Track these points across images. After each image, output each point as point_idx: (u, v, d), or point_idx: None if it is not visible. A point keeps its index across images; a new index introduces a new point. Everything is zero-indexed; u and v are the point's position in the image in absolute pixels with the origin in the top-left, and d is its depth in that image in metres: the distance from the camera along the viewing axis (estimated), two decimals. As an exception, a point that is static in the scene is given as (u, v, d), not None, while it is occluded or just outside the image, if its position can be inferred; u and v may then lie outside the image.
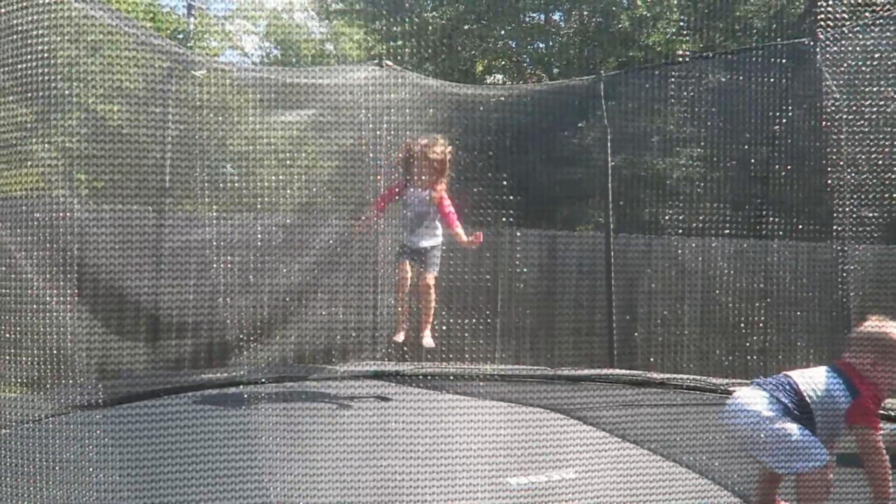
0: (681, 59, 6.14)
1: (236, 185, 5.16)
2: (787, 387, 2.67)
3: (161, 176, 4.94)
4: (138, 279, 4.65)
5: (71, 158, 5.00)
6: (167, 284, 4.74)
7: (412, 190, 4.50)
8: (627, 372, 5.52)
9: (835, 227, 5.06)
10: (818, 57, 4.98)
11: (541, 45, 12.47)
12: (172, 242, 4.88)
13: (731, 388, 4.97)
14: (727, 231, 5.43)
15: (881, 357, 2.66)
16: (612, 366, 5.75)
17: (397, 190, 4.60)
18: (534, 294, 6.31)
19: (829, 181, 5.17)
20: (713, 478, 3.12)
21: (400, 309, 4.64)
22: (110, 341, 4.25)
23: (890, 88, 4.61)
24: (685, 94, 5.73)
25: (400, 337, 4.63)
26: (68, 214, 4.59)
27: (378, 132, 5.27)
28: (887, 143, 4.69)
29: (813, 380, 2.70)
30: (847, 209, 5.00)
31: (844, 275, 5.02)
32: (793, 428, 2.57)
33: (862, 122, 4.78)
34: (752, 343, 5.56)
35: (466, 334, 5.21)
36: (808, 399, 2.64)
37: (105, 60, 4.48)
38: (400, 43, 11.31)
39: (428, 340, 4.58)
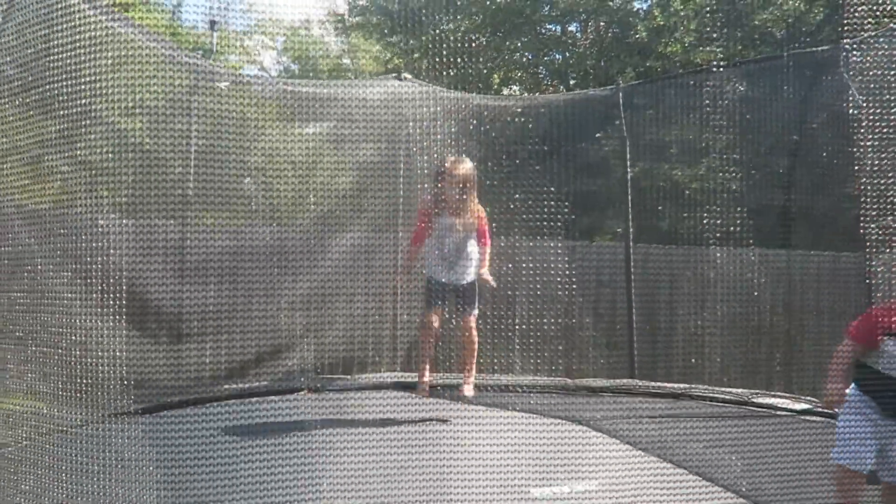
0: (701, 68, 6.12)
1: (259, 197, 5.20)
2: None
3: (184, 189, 5.00)
4: (163, 291, 4.68)
5: (94, 173, 5.07)
6: (190, 297, 4.78)
7: (443, 219, 4.01)
8: (648, 383, 5.47)
9: (862, 236, 4.99)
10: (842, 65, 4.94)
11: (557, 57, 12.49)
12: (195, 255, 4.92)
13: (753, 399, 4.92)
14: (749, 241, 5.39)
15: None
16: (632, 377, 5.70)
17: (427, 221, 4.06)
18: (554, 305, 6.28)
19: (855, 190, 5.10)
20: (737, 491, 3.07)
21: (426, 358, 4.13)
22: (133, 354, 4.28)
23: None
24: (705, 103, 5.71)
25: (425, 388, 4.11)
26: (93, 228, 4.66)
27: (400, 144, 5.30)
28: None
29: None
30: (873, 218, 4.92)
31: (871, 283, 4.95)
32: None
33: (887, 129, 4.73)
34: (777, 353, 5.49)
35: (486, 345, 5.19)
36: None
37: (129, 75, 4.55)
38: (417, 56, 11.37)
39: (469, 390, 4.08)
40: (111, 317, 4.32)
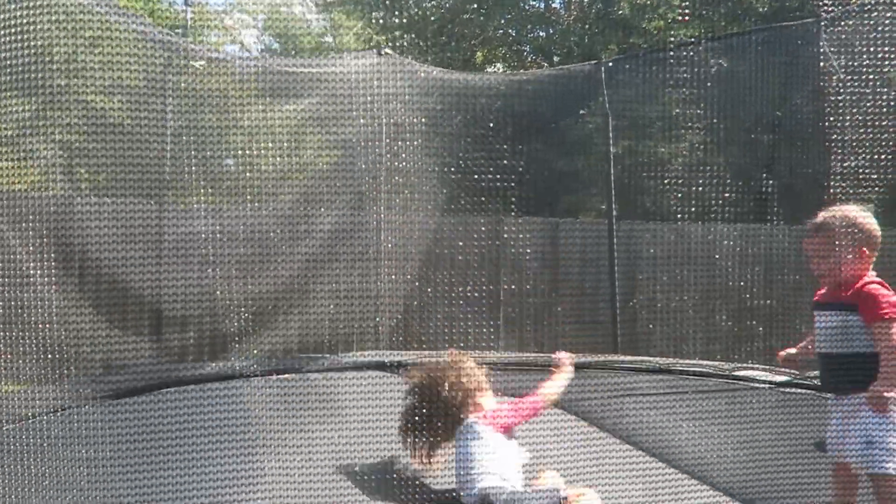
0: (682, 43, 6.11)
1: (235, 176, 5.16)
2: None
3: (161, 169, 4.95)
4: (140, 273, 4.65)
5: (71, 154, 5.01)
6: (168, 277, 4.75)
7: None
8: (631, 358, 5.51)
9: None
10: (821, 38, 4.94)
11: (541, 34, 12.41)
12: (173, 235, 4.89)
13: (737, 373, 4.97)
14: (729, 216, 5.41)
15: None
16: (615, 353, 5.75)
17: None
18: (537, 282, 6.31)
19: (833, 165, 5.14)
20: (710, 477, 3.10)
21: None
22: (112, 335, 4.26)
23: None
24: (686, 78, 5.70)
25: None
26: (69, 209, 4.61)
27: (378, 120, 5.26)
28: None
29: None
30: (849, 192, 4.96)
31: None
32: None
33: (865, 103, 4.75)
34: (758, 328, 5.54)
35: (469, 323, 5.21)
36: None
37: (104, 54, 4.47)
38: (399, 33, 11.27)
39: None
40: (87, 300, 4.30)
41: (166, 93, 4.68)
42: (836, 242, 2.56)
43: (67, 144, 4.97)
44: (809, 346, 2.79)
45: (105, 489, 2.50)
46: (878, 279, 2.58)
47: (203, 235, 4.83)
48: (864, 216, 2.62)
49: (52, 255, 4.07)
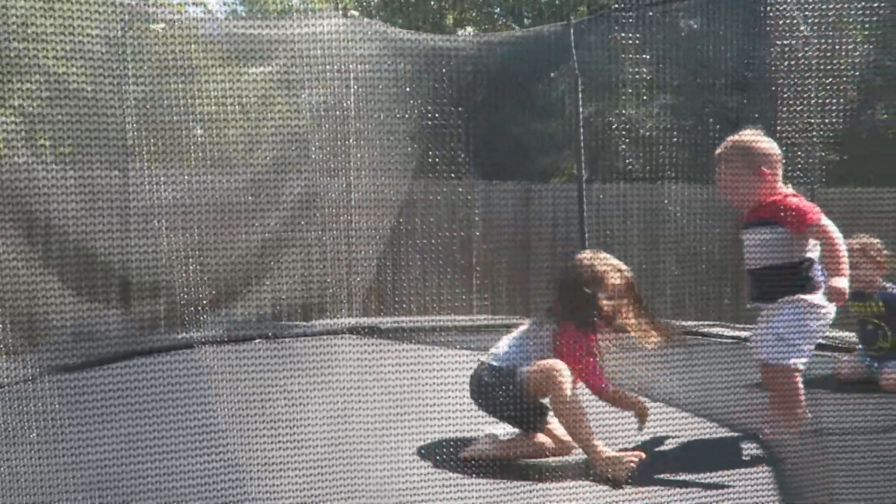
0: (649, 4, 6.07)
1: (201, 141, 5.07)
2: None
3: (124, 137, 4.85)
4: (107, 241, 4.58)
5: (32, 121, 4.87)
6: (136, 245, 4.69)
7: None
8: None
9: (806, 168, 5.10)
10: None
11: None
12: (140, 202, 4.81)
13: (705, 331, 5.08)
14: (701, 176, 5.46)
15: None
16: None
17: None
18: (509, 245, 6.34)
19: (799, 124, 5.19)
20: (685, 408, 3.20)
21: None
22: (80, 305, 4.21)
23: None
24: (655, 39, 5.69)
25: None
26: (33, 179, 4.50)
27: (346, 83, 5.19)
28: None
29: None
30: (810, 153, 5.03)
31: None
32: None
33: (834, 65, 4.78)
34: (728, 287, 5.65)
35: (442, 286, 5.23)
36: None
37: (62, 17, 4.33)
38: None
39: None
40: (55, 270, 4.24)
41: (127, 58, 4.56)
42: (733, 169, 2.72)
43: (27, 111, 4.84)
44: None
45: (74, 460, 2.50)
46: (793, 192, 2.72)
47: (170, 203, 4.77)
48: (753, 138, 2.76)
49: (15, 224, 4.00)
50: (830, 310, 2.71)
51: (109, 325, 4.56)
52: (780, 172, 2.78)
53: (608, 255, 2.90)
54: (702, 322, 5.19)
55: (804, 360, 2.70)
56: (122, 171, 4.86)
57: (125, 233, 4.75)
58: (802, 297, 2.63)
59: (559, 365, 2.60)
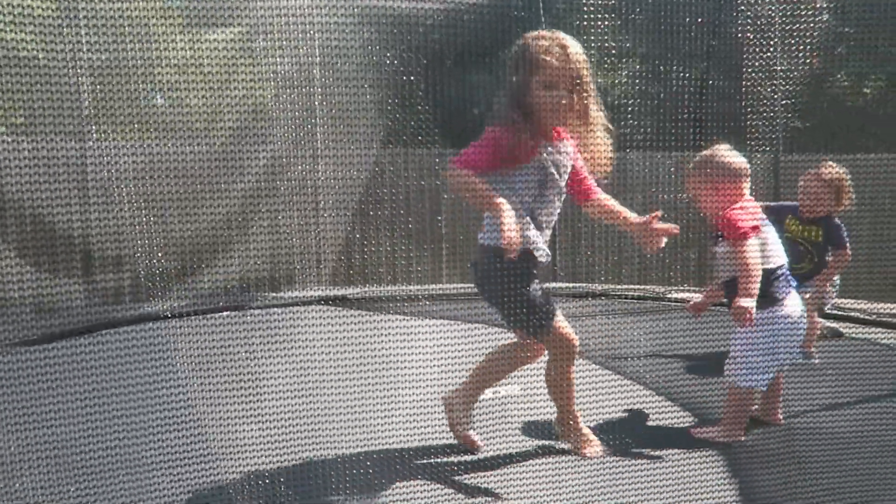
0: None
1: (163, 110, 4.94)
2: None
3: (81, 105, 4.70)
4: (67, 213, 4.46)
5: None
6: (97, 216, 4.57)
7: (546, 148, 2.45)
8: (570, 285, 5.64)
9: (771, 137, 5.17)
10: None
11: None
12: (100, 173, 4.68)
13: (671, 296, 5.16)
14: (665, 144, 5.49)
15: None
16: (554, 280, 5.87)
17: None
18: (475, 214, 6.32)
19: (763, 93, 5.25)
20: (653, 387, 3.25)
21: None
22: (41, 278, 4.10)
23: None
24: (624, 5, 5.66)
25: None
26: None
27: (311, 50, 5.07)
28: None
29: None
30: (778, 120, 5.10)
31: (778, 182, 5.17)
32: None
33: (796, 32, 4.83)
34: (690, 253, 5.72)
35: (411, 256, 5.21)
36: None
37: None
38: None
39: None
40: (10, 243, 4.12)
41: (80, 22, 4.39)
42: (701, 182, 2.74)
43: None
44: (714, 292, 2.92)
45: (38, 436, 2.45)
46: (753, 202, 2.73)
47: (130, 173, 4.65)
48: (721, 154, 2.77)
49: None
50: (794, 320, 2.71)
51: (71, 297, 4.46)
52: (747, 186, 2.77)
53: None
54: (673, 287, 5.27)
55: (763, 377, 2.68)
56: (79, 140, 4.71)
57: (84, 205, 4.63)
58: (744, 304, 2.53)
59: (571, 335, 2.53)
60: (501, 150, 2.32)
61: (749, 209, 2.70)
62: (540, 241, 2.45)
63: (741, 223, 2.62)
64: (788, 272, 2.78)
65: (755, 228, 2.65)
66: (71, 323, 4.07)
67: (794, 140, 5.53)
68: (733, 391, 2.71)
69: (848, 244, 3.58)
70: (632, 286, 5.50)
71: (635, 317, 4.71)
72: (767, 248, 2.70)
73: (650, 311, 4.84)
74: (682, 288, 5.26)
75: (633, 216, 2.58)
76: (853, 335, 4.09)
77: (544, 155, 2.40)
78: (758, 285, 2.55)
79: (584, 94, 2.39)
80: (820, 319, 3.78)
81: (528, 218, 2.41)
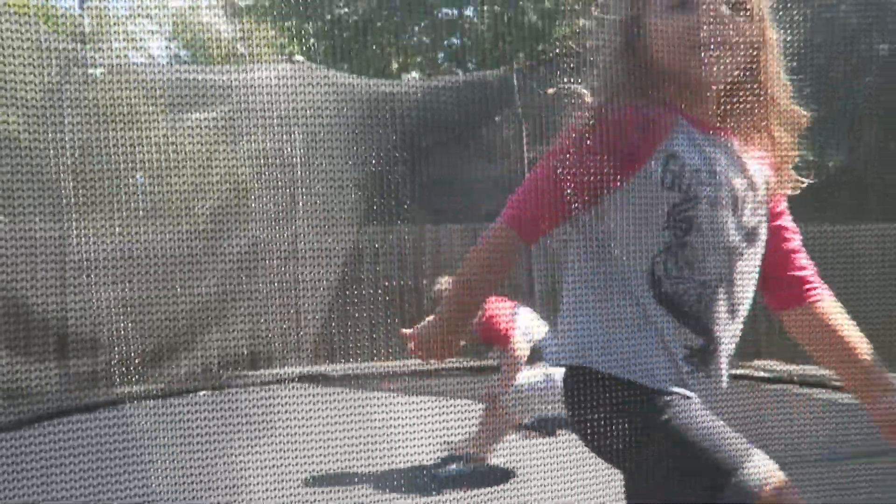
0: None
1: (145, 192, 4.97)
2: None
3: (63, 188, 4.71)
4: (44, 295, 4.41)
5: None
6: (75, 299, 4.53)
7: None
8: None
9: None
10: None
11: (455, 41, 12.55)
12: (78, 255, 4.66)
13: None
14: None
15: None
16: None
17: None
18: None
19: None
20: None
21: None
22: (14, 360, 4.02)
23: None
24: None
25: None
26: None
27: (292, 129, 5.17)
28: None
29: None
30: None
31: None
32: None
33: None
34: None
35: (390, 332, 5.19)
36: None
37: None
38: (312, 42, 11.15)
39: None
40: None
41: (64, 104, 4.46)
42: None
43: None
44: None
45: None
46: None
47: (109, 254, 4.63)
48: None
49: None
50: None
51: (46, 380, 4.36)
52: None
53: None
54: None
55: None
56: (58, 221, 4.71)
57: (62, 286, 4.58)
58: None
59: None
60: (589, 166, 1.16)
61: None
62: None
63: None
64: None
65: None
66: (43, 408, 3.96)
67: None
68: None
69: None
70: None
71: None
72: None
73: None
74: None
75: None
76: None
77: (683, 147, 1.16)
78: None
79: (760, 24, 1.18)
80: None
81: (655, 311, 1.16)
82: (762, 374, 4.96)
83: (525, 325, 3.11)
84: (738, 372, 5.03)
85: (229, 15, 13.67)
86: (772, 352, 4.94)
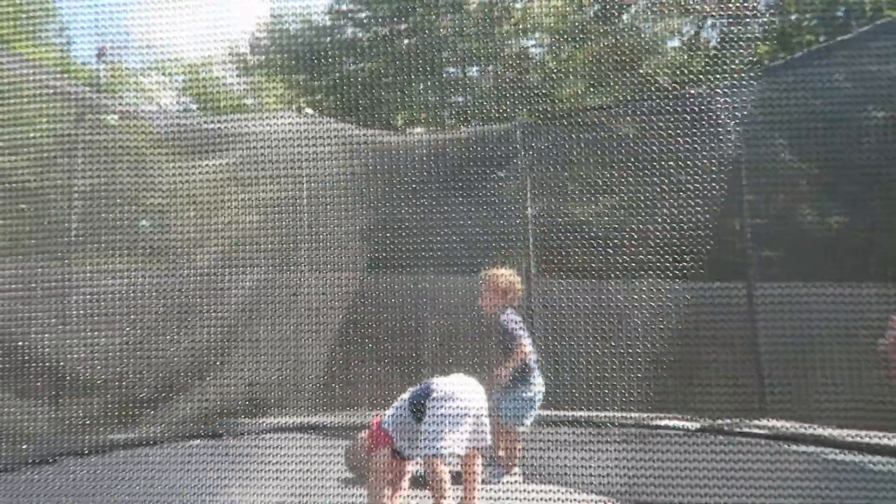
0: (588, 109, 6.44)
1: (148, 237, 5.01)
2: None
3: (68, 230, 4.75)
4: (43, 337, 4.39)
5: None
6: (74, 342, 4.50)
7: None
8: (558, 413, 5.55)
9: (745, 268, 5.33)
10: (719, 107, 5.31)
11: (459, 100, 12.82)
12: (80, 297, 4.66)
13: (651, 422, 5.08)
14: (643, 273, 5.61)
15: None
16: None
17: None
18: (460, 340, 6.31)
19: (737, 225, 5.48)
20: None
21: None
22: (10, 404, 3.98)
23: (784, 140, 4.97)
24: (598, 142, 5.98)
25: None
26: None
27: (298, 180, 5.24)
28: (786, 189, 5.03)
29: None
30: (753, 250, 5.29)
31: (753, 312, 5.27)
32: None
33: (762, 168, 5.12)
34: (673, 379, 5.70)
35: (394, 383, 5.14)
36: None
37: (11, 110, 4.31)
38: (320, 96, 11.40)
39: None
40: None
41: (76, 149, 4.54)
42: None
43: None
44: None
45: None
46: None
47: (112, 298, 4.63)
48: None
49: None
50: None
51: (43, 424, 4.30)
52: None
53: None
54: (655, 414, 5.21)
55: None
56: (64, 263, 4.73)
57: (63, 327, 4.57)
58: None
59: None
60: None
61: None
62: None
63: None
64: None
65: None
66: (39, 451, 3.90)
67: (766, 269, 5.69)
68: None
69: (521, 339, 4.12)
70: (618, 413, 5.44)
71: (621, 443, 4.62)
72: None
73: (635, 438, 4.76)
74: (666, 416, 5.21)
75: None
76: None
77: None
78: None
79: None
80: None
81: None
82: None
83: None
84: None
85: (239, 70, 14.02)
86: None
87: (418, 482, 3.26)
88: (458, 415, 3.03)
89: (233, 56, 13.64)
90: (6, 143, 4.44)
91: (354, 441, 3.16)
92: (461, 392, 3.16)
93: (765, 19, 4.65)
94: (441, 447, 2.88)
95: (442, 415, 2.96)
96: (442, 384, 3.20)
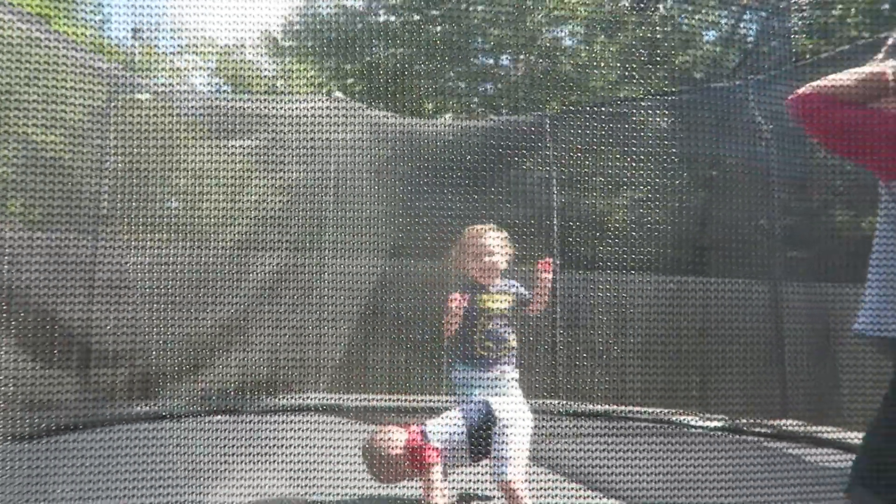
0: (620, 101, 6.37)
1: (176, 214, 5.08)
2: None
3: (98, 203, 4.84)
4: (70, 308, 4.49)
5: (5, 187, 4.85)
6: (100, 313, 4.60)
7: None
8: (571, 403, 5.55)
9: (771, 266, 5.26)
10: (751, 102, 5.23)
11: (489, 87, 12.78)
12: (107, 271, 4.75)
13: (670, 417, 5.05)
14: (667, 269, 5.57)
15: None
16: (556, 398, 5.78)
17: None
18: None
19: (764, 223, 5.41)
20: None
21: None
22: (40, 372, 4.07)
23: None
24: (627, 134, 5.92)
25: None
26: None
27: (326, 163, 5.27)
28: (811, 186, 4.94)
29: None
30: (779, 249, 5.21)
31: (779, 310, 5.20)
32: None
33: (790, 166, 5.03)
34: (693, 376, 5.66)
35: (409, 367, 5.17)
36: None
37: (46, 87, 4.39)
38: (351, 81, 11.43)
39: None
40: (12, 335, 4.11)
41: (108, 127, 4.61)
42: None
43: (1, 177, 4.82)
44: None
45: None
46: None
47: (138, 272, 4.71)
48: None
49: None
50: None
51: (67, 393, 4.41)
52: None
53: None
54: (670, 410, 5.18)
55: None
56: (93, 236, 4.82)
57: (90, 298, 4.66)
58: None
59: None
60: None
61: None
62: None
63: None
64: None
65: None
66: (63, 419, 4.00)
67: (792, 269, 5.60)
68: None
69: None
70: (636, 408, 5.42)
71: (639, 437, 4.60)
72: None
73: (653, 433, 4.73)
74: (684, 412, 5.18)
75: None
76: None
77: None
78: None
79: None
80: None
81: None
82: None
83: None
84: None
85: (272, 53, 14.11)
86: None
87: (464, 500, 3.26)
88: (522, 440, 3.00)
89: (265, 39, 13.72)
90: (42, 118, 4.53)
91: (380, 438, 3.10)
92: (522, 419, 3.09)
93: (804, 13, 4.56)
94: (515, 472, 2.87)
95: (510, 440, 2.94)
96: (503, 409, 3.09)
